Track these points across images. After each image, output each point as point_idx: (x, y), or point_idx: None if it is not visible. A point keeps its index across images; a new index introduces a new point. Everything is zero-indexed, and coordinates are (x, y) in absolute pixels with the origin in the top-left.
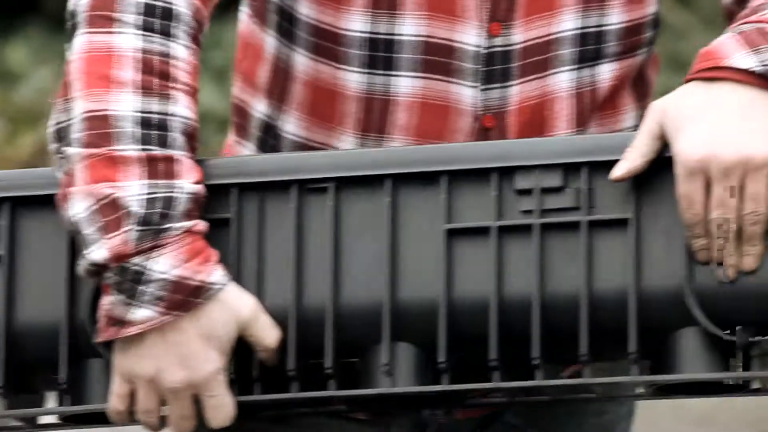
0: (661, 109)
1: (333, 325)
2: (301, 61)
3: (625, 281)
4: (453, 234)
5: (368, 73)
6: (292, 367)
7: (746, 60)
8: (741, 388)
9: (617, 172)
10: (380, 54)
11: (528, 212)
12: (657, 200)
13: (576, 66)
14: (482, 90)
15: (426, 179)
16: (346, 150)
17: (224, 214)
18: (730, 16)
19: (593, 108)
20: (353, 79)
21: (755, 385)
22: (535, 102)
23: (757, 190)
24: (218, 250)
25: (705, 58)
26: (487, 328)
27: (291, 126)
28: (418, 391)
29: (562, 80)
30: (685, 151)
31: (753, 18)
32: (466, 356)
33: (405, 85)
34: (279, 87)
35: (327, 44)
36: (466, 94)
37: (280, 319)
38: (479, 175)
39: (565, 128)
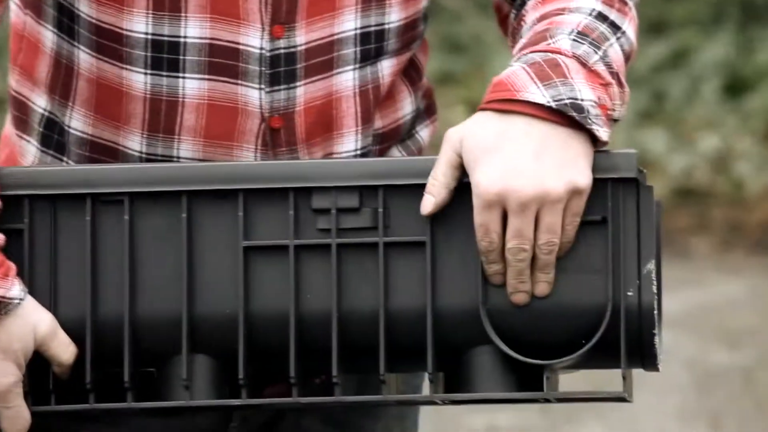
0: (458, 138)
1: (129, 339)
2: (85, 59)
3: (421, 300)
4: (250, 250)
5: (153, 74)
6: (89, 380)
7: (539, 95)
8: (533, 400)
9: (426, 208)
10: (165, 55)
11: (325, 231)
12: (452, 222)
13: (358, 65)
14: (268, 92)
15: (223, 196)
16: (141, 165)
17: (16, 224)
18: (499, 11)
19: (376, 103)
20: (138, 80)
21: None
22: (321, 102)
23: (552, 221)
24: (11, 262)
25: (498, 88)
26: (284, 343)
27: (77, 123)
28: (216, 405)
29: (347, 80)
30: (483, 183)
31: (542, 47)
32: (265, 368)
33: (191, 87)
34: (61, 83)
35: (110, 44)
36: (253, 95)
37: (74, 330)
38: (277, 193)
39: (353, 126)
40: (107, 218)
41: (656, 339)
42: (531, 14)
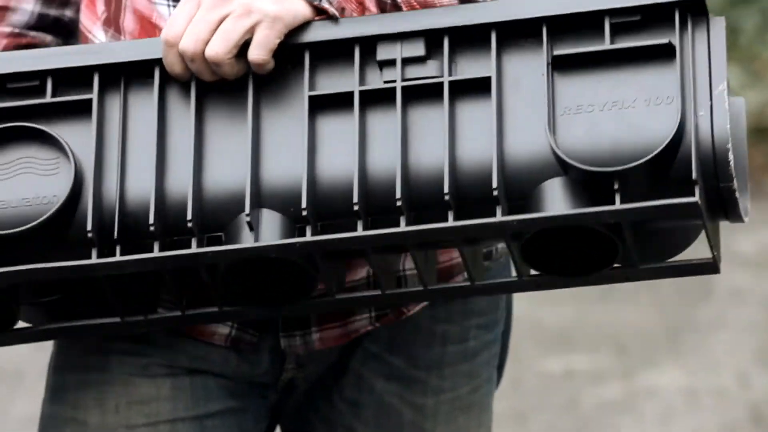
0: None
1: (156, 202)
2: None
3: (489, 146)
4: (316, 106)
5: (176, 6)
6: (151, 223)
7: None
8: (624, 275)
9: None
10: None
11: (391, 83)
12: (517, 62)
13: None
14: None
15: (288, 53)
16: None
17: (86, 95)
18: None
19: None
20: (165, 14)
21: (634, 270)
22: None
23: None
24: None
25: None
26: (350, 196)
27: None
28: (281, 244)
29: None
30: None
31: None
32: (331, 224)
33: None
34: (114, 17)
35: None
36: None
37: (141, 200)
38: (342, 48)
39: None
40: (174, 85)
41: (730, 155)
42: None
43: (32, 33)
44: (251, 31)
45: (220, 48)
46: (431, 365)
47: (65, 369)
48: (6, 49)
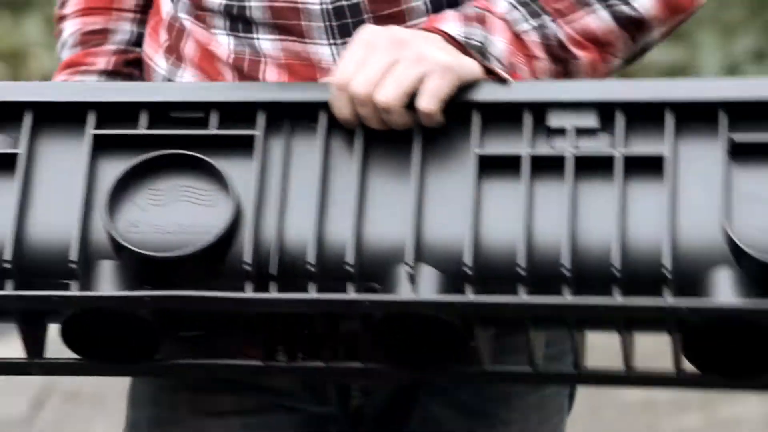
0: None
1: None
2: (187, 24)
3: (661, 226)
4: (483, 165)
5: (234, 36)
6: (311, 262)
7: (454, 28)
8: None
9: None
10: (237, 19)
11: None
12: (693, 140)
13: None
14: (340, 45)
15: (455, 113)
16: None
17: (250, 131)
18: None
19: None
20: (223, 42)
21: None
22: None
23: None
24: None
25: (427, 23)
26: (513, 263)
27: (189, 80)
28: (442, 302)
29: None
30: None
31: (481, 3)
32: (492, 290)
33: (266, 48)
34: (175, 44)
35: (196, 11)
36: (323, 52)
37: (299, 244)
38: (512, 113)
39: None
40: (339, 134)
41: None
42: None
43: (137, 49)
44: (422, 79)
45: (390, 93)
46: (499, 398)
47: (140, 404)
48: (116, 64)
